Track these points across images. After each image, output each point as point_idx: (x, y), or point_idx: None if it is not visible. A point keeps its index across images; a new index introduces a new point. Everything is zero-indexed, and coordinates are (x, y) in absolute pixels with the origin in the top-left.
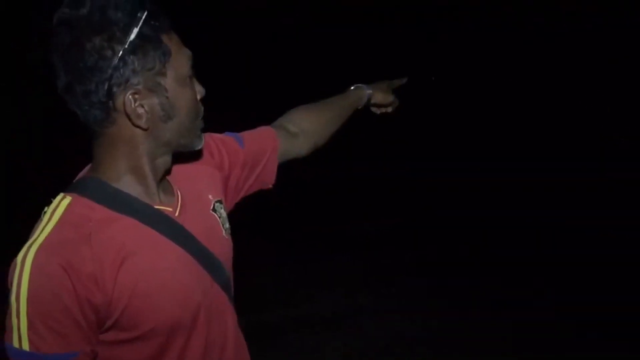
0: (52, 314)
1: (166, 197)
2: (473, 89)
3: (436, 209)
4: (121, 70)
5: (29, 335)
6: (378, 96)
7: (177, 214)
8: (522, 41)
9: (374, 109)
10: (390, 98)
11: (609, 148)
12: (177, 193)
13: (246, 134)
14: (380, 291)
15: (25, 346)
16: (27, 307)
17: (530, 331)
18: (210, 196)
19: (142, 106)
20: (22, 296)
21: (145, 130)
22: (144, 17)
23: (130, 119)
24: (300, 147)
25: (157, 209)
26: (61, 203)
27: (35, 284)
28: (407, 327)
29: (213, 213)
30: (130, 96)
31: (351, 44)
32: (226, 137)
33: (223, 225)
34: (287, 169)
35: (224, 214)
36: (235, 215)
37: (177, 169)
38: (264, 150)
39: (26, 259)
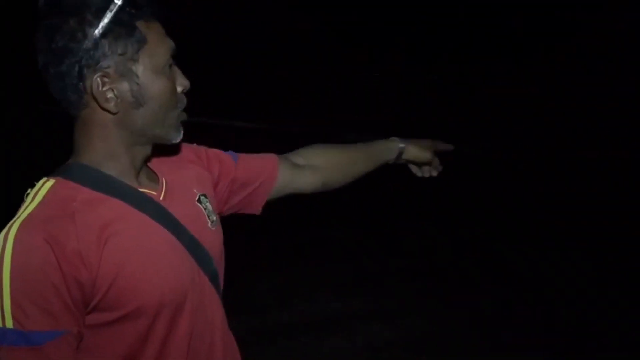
0: (36, 289)
1: (150, 183)
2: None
3: (425, 215)
4: (91, 53)
5: (12, 312)
6: (412, 152)
7: (161, 197)
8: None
9: (413, 169)
10: (427, 156)
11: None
12: (162, 180)
13: (245, 155)
14: (371, 296)
15: (9, 323)
16: (10, 283)
17: (521, 335)
18: (195, 190)
19: (112, 90)
20: (5, 272)
21: (114, 114)
22: (119, 2)
23: (98, 102)
24: (305, 181)
25: (142, 191)
26: (44, 185)
27: (18, 260)
28: (397, 332)
29: (198, 204)
30: (98, 79)
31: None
32: (221, 152)
33: (209, 217)
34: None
35: (209, 207)
36: (230, 220)
37: (163, 161)
38: (259, 173)
39: (8, 235)
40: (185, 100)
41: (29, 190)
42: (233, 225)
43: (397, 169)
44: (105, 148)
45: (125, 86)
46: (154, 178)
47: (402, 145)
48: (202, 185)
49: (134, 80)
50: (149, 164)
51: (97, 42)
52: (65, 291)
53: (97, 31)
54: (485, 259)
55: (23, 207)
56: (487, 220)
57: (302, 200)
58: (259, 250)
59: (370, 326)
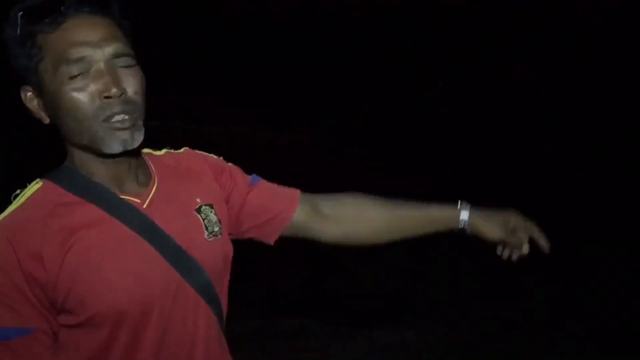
0: (1, 287)
1: (138, 189)
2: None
3: None
4: (16, 68)
5: None
6: (478, 227)
7: (145, 205)
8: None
9: (498, 249)
10: (496, 235)
11: None
12: (153, 187)
13: (266, 183)
14: (376, 300)
15: None
16: None
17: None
18: (198, 199)
19: (35, 102)
20: None
21: (50, 124)
22: (19, 15)
23: (32, 114)
24: (324, 231)
25: (123, 198)
26: (32, 187)
27: None
28: (395, 336)
29: (197, 214)
30: (22, 92)
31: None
32: (240, 172)
33: (207, 227)
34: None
35: (212, 217)
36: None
37: (167, 168)
38: (275, 204)
39: None
40: (113, 107)
41: (17, 191)
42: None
43: None
44: (76, 154)
45: (41, 99)
46: (145, 183)
47: (464, 218)
48: (209, 197)
49: (45, 93)
50: (152, 167)
51: (15, 56)
52: (28, 290)
53: (11, 44)
54: (492, 261)
55: (8, 208)
56: None
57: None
58: (259, 254)
59: (367, 331)
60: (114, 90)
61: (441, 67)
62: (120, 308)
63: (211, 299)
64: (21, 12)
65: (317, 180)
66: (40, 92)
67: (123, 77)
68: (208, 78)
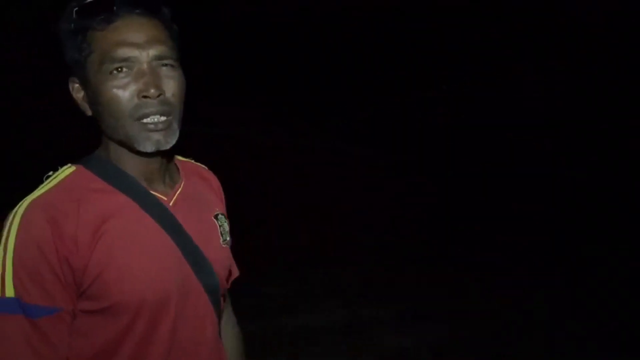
0: (35, 266)
1: (165, 187)
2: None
3: (439, 220)
4: (66, 59)
5: (14, 282)
6: None
7: (171, 203)
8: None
9: None
10: None
11: None
12: (179, 188)
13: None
14: (378, 302)
15: (10, 292)
16: (13, 255)
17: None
18: (216, 208)
19: (80, 94)
20: (10, 245)
21: (92, 117)
22: (74, 10)
23: (77, 104)
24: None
25: (152, 193)
26: (65, 171)
27: (22, 235)
28: (404, 339)
29: (215, 220)
30: (70, 82)
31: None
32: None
33: (222, 234)
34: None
35: (226, 227)
36: (239, 226)
37: (194, 173)
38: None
39: (18, 211)
40: (149, 107)
41: (50, 172)
42: (244, 229)
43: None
44: (112, 146)
45: (84, 92)
46: (172, 183)
47: None
48: (223, 209)
49: (89, 87)
50: (181, 171)
51: (66, 48)
52: (60, 270)
53: (64, 36)
54: (502, 262)
55: (40, 187)
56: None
57: (311, 205)
58: (270, 255)
59: (378, 334)
60: (152, 91)
61: (441, 67)
62: (142, 297)
63: (216, 302)
64: (76, 8)
65: (317, 180)
66: (85, 85)
67: (163, 79)
68: (208, 79)
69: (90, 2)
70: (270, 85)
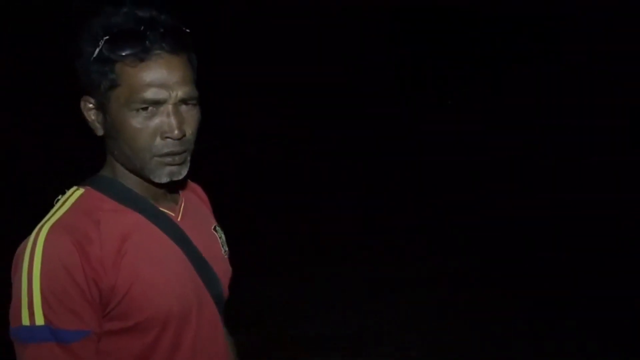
0: (65, 290)
1: (169, 203)
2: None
3: (446, 220)
4: (83, 78)
5: (43, 309)
6: None
7: (179, 218)
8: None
9: None
10: None
11: None
12: (182, 201)
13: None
14: (385, 308)
15: (40, 320)
16: (40, 282)
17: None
18: (212, 221)
19: (94, 115)
20: (35, 272)
21: (102, 136)
22: (103, 40)
23: (86, 121)
24: None
25: (162, 210)
26: (74, 193)
27: (48, 260)
28: (413, 345)
29: (214, 232)
30: (83, 101)
31: None
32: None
33: (222, 245)
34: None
35: (223, 238)
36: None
37: (190, 189)
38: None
39: (39, 237)
40: (170, 147)
41: (59, 196)
42: (245, 236)
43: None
44: (119, 165)
45: (101, 115)
46: (174, 200)
47: None
48: (215, 221)
49: (109, 112)
50: (179, 187)
51: (86, 70)
52: (88, 293)
53: (88, 60)
54: (509, 268)
55: (52, 211)
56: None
57: (313, 208)
58: (274, 262)
59: (385, 339)
60: (175, 133)
61: (441, 67)
62: (170, 310)
63: (222, 311)
64: (107, 37)
65: (317, 179)
66: (104, 110)
67: (185, 119)
68: (208, 79)
69: (121, 35)
70: (270, 84)
